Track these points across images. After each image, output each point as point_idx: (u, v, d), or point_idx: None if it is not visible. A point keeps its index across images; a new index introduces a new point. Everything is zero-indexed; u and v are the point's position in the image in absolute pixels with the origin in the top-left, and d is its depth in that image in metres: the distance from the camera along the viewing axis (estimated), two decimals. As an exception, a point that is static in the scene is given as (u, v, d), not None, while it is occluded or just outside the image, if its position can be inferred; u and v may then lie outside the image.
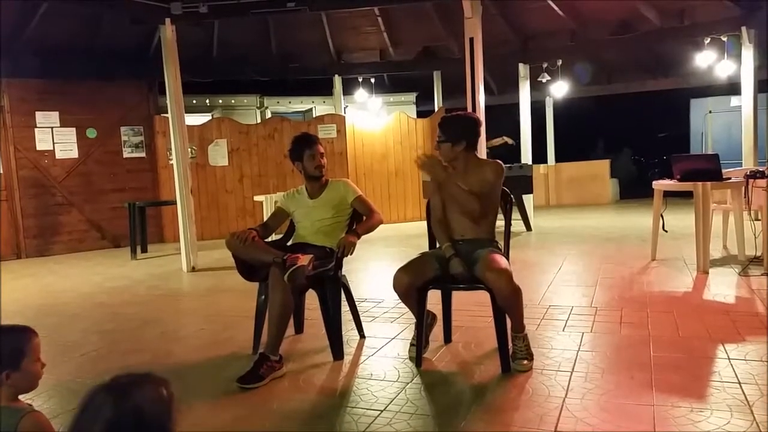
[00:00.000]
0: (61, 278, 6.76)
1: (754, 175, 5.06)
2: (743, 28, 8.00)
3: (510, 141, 10.67)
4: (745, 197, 5.09)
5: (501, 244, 3.31)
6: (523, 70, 9.99)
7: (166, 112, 7.03)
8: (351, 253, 3.42)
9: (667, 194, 5.63)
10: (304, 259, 3.22)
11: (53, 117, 8.68)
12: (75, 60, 8.55)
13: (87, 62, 8.62)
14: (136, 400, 1.18)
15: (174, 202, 7.17)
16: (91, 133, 8.95)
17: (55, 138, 8.70)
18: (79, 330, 4.40)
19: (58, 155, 8.72)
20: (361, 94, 10.95)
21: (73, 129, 8.80)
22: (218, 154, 9.63)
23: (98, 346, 3.95)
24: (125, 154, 9.26)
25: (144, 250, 8.25)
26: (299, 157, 3.66)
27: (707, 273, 5.09)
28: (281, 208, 3.80)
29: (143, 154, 9.40)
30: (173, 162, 6.99)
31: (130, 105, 9.26)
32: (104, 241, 9.05)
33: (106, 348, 3.92)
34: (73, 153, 8.82)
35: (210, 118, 10.40)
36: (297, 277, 3.16)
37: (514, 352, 3.09)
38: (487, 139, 10.97)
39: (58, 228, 8.75)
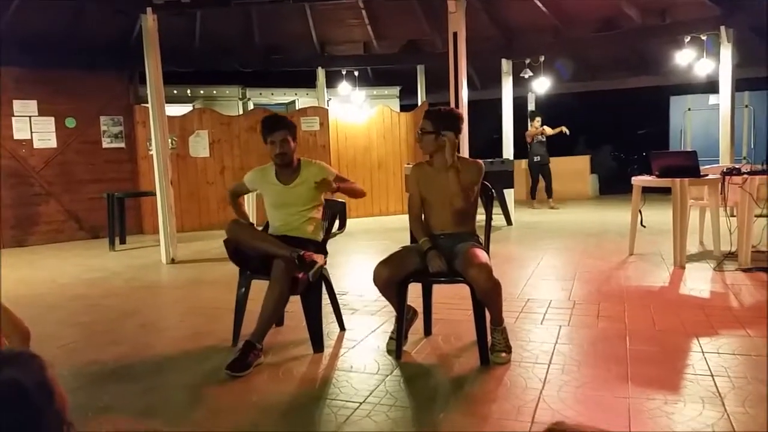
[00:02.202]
0: (38, 269, 6.66)
1: (730, 172, 5.14)
2: (722, 28, 8.09)
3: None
4: (721, 194, 5.18)
5: (482, 238, 3.34)
6: (506, 65, 10.02)
7: (147, 102, 6.94)
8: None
9: (646, 190, 5.71)
10: (319, 258, 3.30)
11: (31, 106, 8.51)
12: (54, 48, 8.37)
13: (67, 51, 8.46)
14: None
15: (153, 193, 7.09)
16: (70, 122, 8.80)
17: (33, 127, 8.54)
18: (55, 321, 4.34)
19: (36, 145, 8.57)
20: (344, 86, 10.91)
21: (52, 118, 8.65)
22: (199, 146, 9.54)
23: (75, 338, 3.91)
24: (104, 144, 9.13)
25: (122, 242, 8.16)
26: (265, 140, 3.57)
27: (684, 268, 5.18)
28: (243, 185, 3.82)
29: (122, 145, 9.27)
30: (153, 153, 6.91)
31: (110, 94, 9.12)
32: (82, 232, 8.93)
33: (83, 340, 3.88)
34: (52, 143, 8.67)
35: (191, 108, 10.29)
36: (317, 274, 3.25)
37: (492, 345, 3.12)
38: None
39: (35, 219, 8.61)
